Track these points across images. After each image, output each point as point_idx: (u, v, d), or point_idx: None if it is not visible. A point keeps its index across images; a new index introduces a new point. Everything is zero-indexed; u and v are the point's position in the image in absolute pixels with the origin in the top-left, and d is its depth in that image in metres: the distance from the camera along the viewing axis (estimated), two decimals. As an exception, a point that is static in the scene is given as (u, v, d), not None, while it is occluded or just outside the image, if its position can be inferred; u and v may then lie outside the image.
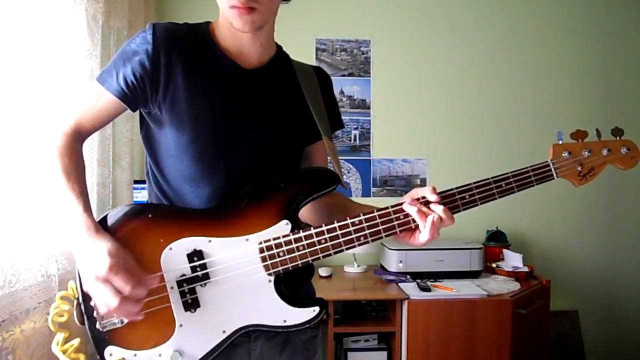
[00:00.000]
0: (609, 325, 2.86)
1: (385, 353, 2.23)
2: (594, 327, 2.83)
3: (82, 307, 0.94)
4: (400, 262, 2.35)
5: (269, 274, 0.95)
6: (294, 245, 0.95)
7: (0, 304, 1.28)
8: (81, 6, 1.76)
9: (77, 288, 0.95)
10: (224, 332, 0.94)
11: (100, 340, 0.93)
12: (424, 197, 0.97)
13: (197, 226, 0.95)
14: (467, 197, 0.97)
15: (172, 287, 0.93)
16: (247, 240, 0.95)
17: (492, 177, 0.99)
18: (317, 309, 0.96)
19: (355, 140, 2.77)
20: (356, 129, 2.78)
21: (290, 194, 0.97)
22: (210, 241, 0.94)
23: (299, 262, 0.95)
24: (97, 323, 0.92)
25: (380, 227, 0.96)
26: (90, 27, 1.82)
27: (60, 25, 1.66)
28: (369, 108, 2.78)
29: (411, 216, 0.96)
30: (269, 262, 0.94)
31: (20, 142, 1.43)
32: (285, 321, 0.95)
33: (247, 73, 1.02)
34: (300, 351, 1.08)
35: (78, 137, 0.99)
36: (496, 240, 2.63)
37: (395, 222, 0.97)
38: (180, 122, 0.97)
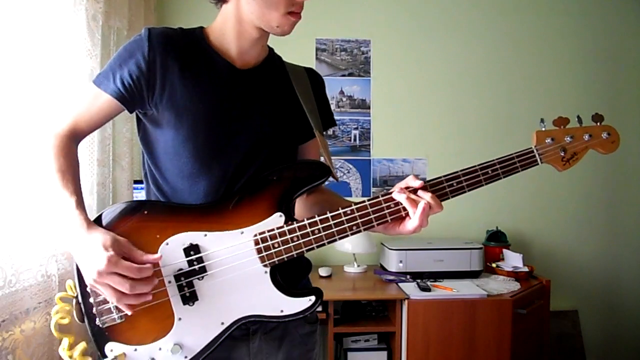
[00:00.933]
0: (609, 325, 2.86)
1: (385, 353, 2.23)
2: (594, 327, 2.83)
3: (82, 304, 0.95)
4: (400, 262, 2.35)
5: (265, 265, 0.96)
6: (288, 237, 0.96)
7: (0, 304, 1.29)
8: (81, 6, 1.77)
9: (75, 286, 0.95)
10: (222, 323, 0.96)
11: (100, 336, 0.94)
12: (410, 187, 1.00)
13: (192, 221, 0.97)
14: (454, 184, 1.01)
15: (169, 282, 0.94)
16: (242, 233, 0.96)
17: (479, 164, 1.02)
18: (313, 298, 0.98)
19: (355, 140, 2.77)
20: (356, 129, 2.78)
21: (283, 187, 0.99)
22: (205, 235, 0.96)
23: (294, 252, 0.97)
24: (97, 319, 0.93)
25: (372, 216, 0.99)
26: (90, 27, 1.82)
27: (60, 25, 1.66)
28: (369, 108, 2.78)
29: (401, 204, 0.98)
30: (264, 253, 0.96)
31: (20, 142, 1.43)
32: (282, 311, 0.97)
33: (241, 73, 1.05)
34: (299, 345, 1.10)
35: (73, 138, 1.00)
36: (496, 240, 2.63)
37: (387, 211, 0.99)
38: (178, 120, 0.99)
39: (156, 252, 0.94)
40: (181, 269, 0.95)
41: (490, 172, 1.02)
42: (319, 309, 1.00)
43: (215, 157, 1.01)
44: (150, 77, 0.98)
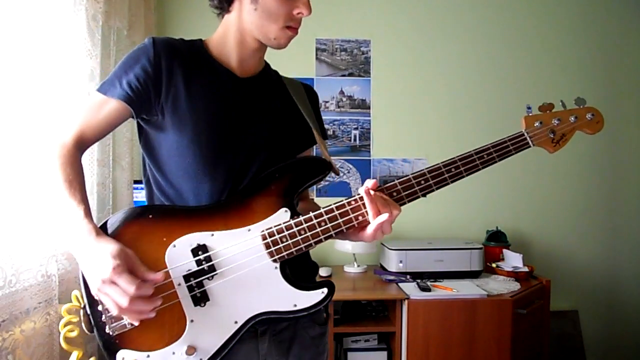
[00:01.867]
0: (609, 325, 2.86)
1: (385, 353, 2.23)
2: (594, 327, 2.83)
3: (90, 314, 0.94)
4: (400, 262, 2.35)
5: (274, 261, 0.96)
6: (295, 230, 0.97)
7: (0, 304, 1.29)
8: (81, 6, 1.77)
9: (82, 296, 0.95)
10: (235, 322, 0.95)
11: (111, 345, 0.93)
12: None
13: (198, 222, 0.97)
14: (452, 169, 1.03)
15: (179, 284, 0.94)
16: (249, 230, 0.97)
17: (474, 150, 1.05)
18: (325, 290, 0.98)
19: (355, 140, 2.77)
20: (356, 129, 2.77)
21: (286, 183, 1.00)
22: (212, 235, 0.96)
23: (302, 245, 0.97)
24: (107, 327, 0.92)
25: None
26: (90, 27, 1.82)
27: (60, 25, 1.66)
28: (369, 108, 2.78)
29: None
30: (272, 248, 0.96)
31: (20, 142, 1.43)
32: (295, 305, 0.96)
33: (242, 80, 1.08)
34: (309, 347, 1.10)
35: (79, 147, 1.00)
36: (496, 240, 2.63)
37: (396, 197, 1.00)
38: (182, 123, 1.00)
39: (164, 255, 0.93)
40: (190, 270, 0.94)
41: (485, 156, 1.05)
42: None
43: (219, 158, 1.02)
44: (156, 80, 0.99)
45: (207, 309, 0.94)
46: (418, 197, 1.01)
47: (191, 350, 0.92)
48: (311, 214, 0.98)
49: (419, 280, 2.27)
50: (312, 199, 1.30)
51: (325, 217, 0.98)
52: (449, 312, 2.10)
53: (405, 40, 2.78)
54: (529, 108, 1.10)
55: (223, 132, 1.02)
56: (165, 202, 1.05)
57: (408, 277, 2.32)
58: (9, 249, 1.33)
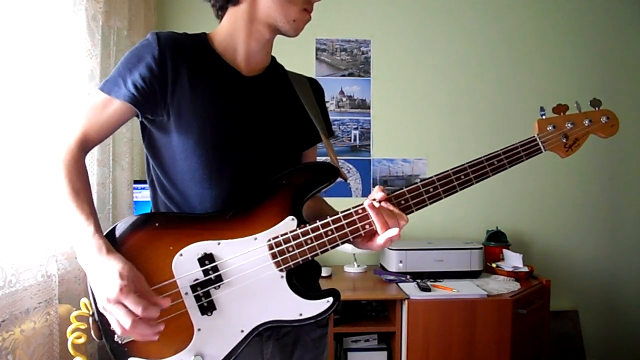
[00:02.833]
0: (609, 325, 2.86)
1: (385, 353, 2.23)
2: (594, 327, 2.83)
3: (98, 322, 0.93)
4: (400, 262, 2.35)
5: (280, 270, 0.96)
6: (302, 239, 0.96)
7: (0, 304, 1.28)
8: (81, 6, 1.76)
9: (90, 304, 0.94)
10: (242, 331, 0.95)
11: (119, 353, 0.93)
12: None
13: (204, 230, 0.96)
14: (462, 177, 1.01)
15: (186, 293, 0.93)
16: (255, 239, 0.96)
17: (484, 156, 1.03)
18: (331, 299, 0.97)
19: (355, 140, 2.77)
20: (356, 129, 2.78)
21: (293, 190, 0.99)
22: (219, 244, 0.95)
23: (309, 255, 0.96)
24: (116, 336, 0.91)
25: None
26: (90, 27, 1.82)
27: (60, 25, 1.66)
28: (369, 108, 2.78)
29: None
30: (279, 258, 0.95)
31: (20, 142, 1.43)
32: (301, 314, 0.96)
33: (247, 79, 1.06)
34: (311, 349, 1.10)
35: (83, 149, 0.98)
36: (496, 240, 2.63)
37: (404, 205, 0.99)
38: (187, 124, 0.98)
39: (170, 264, 0.93)
40: (197, 279, 0.94)
41: (496, 162, 1.03)
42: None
43: (225, 161, 1.01)
44: (162, 79, 0.97)
45: (214, 318, 0.94)
46: (426, 205, 1.00)
47: (198, 358, 0.92)
48: (318, 223, 0.96)
49: (419, 280, 2.27)
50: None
51: (332, 226, 0.97)
52: (449, 312, 2.10)
53: (405, 40, 2.78)
54: (542, 110, 1.06)
55: (228, 135, 1.01)
56: (170, 205, 1.03)
57: (408, 277, 2.32)
58: (9, 249, 1.33)
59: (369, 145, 2.78)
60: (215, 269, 0.94)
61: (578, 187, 2.83)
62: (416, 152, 2.78)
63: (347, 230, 0.97)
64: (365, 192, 2.76)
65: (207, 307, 0.94)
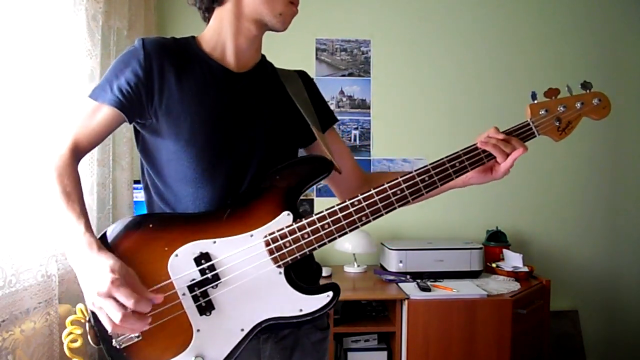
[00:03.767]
0: (609, 325, 2.86)
1: (385, 353, 2.23)
2: (594, 327, 2.83)
3: (95, 327, 0.92)
4: (400, 262, 2.35)
5: (279, 266, 0.95)
6: (299, 234, 0.95)
7: (0, 304, 1.28)
8: (81, 6, 1.77)
9: (87, 310, 0.93)
10: (242, 330, 0.94)
11: (118, 358, 0.92)
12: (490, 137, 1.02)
13: (199, 230, 0.95)
14: (457, 164, 1.02)
15: (183, 294, 0.92)
16: (251, 236, 0.95)
17: (475, 144, 1.04)
18: (331, 293, 0.96)
19: (355, 140, 2.77)
20: (356, 129, 2.78)
21: (287, 185, 0.99)
22: (215, 242, 0.94)
23: (306, 249, 0.96)
24: (114, 341, 0.91)
25: (380, 205, 0.98)
26: (90, 27, 1.82)
27: (60, 25, 1.66)
28: (369, 108, 2.78)
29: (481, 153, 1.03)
30: (276, 254, 0.95)
31: (20, 142, 1.43)
32: (301, 310, 0.95)
33: (236, 76, 1.06)
34: (310, 353, 1.08)
35: (75, 156, 0.98)
36: (496, 240, 2.63)
37: (393, 198, 0.98)
38: (177, 125, 0.98)
39: (166, 265, 0.92)
40: (194, 279, 0.93)
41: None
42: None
43: (216, 160, 1.00)
44: (148, 83, 0.97)
45: (213, 318, 0.93)
46: (437, 186, 1.01)
47: (199, 359, 0.92)
48: (314, 217, 0.96)
49: (419, 280, 2.27)
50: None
51: (328, 219, 0.96)
52: (449, 312, 2.10)
53: (405, 40, 2.78)
54: (534, 94, 1.06)
55: (219, 133, 1.00)
56: (164, 208, 1.03)
57: (408, 277, 2.32)
58: (9, 249, 1.33)
59: (369, 145, 2.78)
60: (211, 267, 0.93)
61: (578, 187, 2.83)
62: (416, 152, 2.78)
63: (343, 222, 0.96)
64: (365, 192, 2.76)
65: (206, 307, 0.93)
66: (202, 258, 0.93)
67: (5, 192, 1.37)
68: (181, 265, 0.93)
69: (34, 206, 1.45)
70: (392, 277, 2.34)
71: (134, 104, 0.98)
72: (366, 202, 0.97)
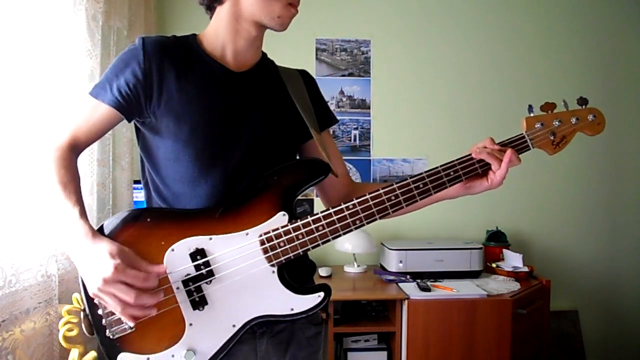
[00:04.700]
0: (609, 325, 2.86)
1: (385, 353, 2.23)
2: (594, 327, 2.83)
3: (90, 317, 0.94)
4: (400, 262, 2.35)
5: (272, 265, 0.96)
6: (293, 235, 0.97)
7: (0, 304, 1.29)
8: (81, 6, 1.76)
9: (82, 299, 0.95)
10: (233, 326, 0.96)
11: (111, 348, 0.93)
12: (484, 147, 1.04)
13: (196, 226, 0.96)
14: (451, 173, 1.03)
15: (178, 288, 0.94)
16: (247, 234, 0.96)
17: (470, 154, 1.05)
18: (322, 294, 0.98)
19: (355, 140, 2.77)
20: (356, 129, 2.78)
21: (284, 186, 1.00)
22: (211, 239, 0.95)
23: (300, 250, 0.97)
24: (107, 331, 0.93)
25: (374, 210, 0.99)
26: (90, 27, 1.82)
27: (60, 25, 1.66)
28: (369, 108, 2.78)
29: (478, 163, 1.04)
30: (270, 253, 0.96)
31: (20, 142, 1.43)
32: (292, 309, 0.97)
33: (236, 75, 1.06)
34: (305, 347, 1.10)
35: (73, 150, 1.00)
36: (496, 240, 2.63)
37: (387, 204, 0.99)
38: (177, 125, 0.99)
39: (162, 260, 0.93)
40: (189, 274, 0.94)
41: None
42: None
43: (215, 160, 1.01)
44: (147, 84, 0.98)
45: (206, 313, 0.95)
46: (430, 194, 1.02)
47: (190, 353, 0.93)
48: (309, 219, 0.97)
49: (419, 280, 2.27)
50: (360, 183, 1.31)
51: (323, 222, 0.97)
52: (449, 312, 2.10)
53: (406, 40, 2.78)
54: (530, 108, 1.08)
55: (217, 133, 1.01)
56: (162, 205, 1.04)
57: (408, 277, 2.32)
58: (9, 249, 1.33)
59: (369, 145, 2.78)
60: (206, 264, 0.95)
61: (578, 187, 2.83)
62: (416, 152, 2.78)
63: (338, 225, 0.98)
64: (365, 192, 2.76)
65: (199, 302, 0.94)
66: (198, 254, 0.95)
67: (5, 192, 1.37)
68: (177, 260, 0.94)
69: (34, 206, 1.45)
70: (392, 277, 2.34)
71: (132, 105, 0.99)
72: (361, 207, 0.98)
